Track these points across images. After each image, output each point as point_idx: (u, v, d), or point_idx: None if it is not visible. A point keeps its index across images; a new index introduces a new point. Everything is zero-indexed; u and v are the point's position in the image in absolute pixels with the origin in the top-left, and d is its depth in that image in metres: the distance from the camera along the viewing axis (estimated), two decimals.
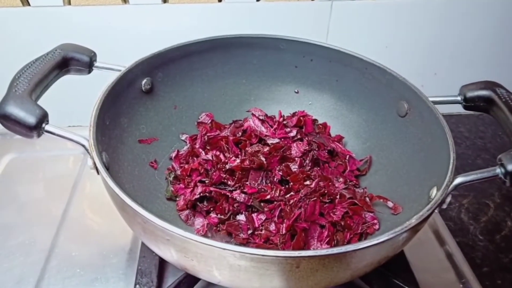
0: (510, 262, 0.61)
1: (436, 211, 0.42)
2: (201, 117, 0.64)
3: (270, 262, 0.37)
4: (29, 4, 0.68)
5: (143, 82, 0.57)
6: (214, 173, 0.55)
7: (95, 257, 0.57)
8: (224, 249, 0.36)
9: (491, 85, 0.51)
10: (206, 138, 0.61)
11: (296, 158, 0.57)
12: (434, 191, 0.45)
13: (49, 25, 0.70)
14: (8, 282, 0.54)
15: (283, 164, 0.56)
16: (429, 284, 0.54)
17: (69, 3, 0.68)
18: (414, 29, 0.76)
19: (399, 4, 0.74)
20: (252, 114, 0.63)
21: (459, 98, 0.53)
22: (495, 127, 0.82)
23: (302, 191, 0.53)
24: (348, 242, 0.50)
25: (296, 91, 0.66)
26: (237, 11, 0.72)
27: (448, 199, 0.43)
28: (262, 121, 0.62)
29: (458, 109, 0.54)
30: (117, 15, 0.70)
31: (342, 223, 0.51)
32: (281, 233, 0.50)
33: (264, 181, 0.54)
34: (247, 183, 0.54)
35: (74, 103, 0.72)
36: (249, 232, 0.52)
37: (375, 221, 0.53)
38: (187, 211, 0.55)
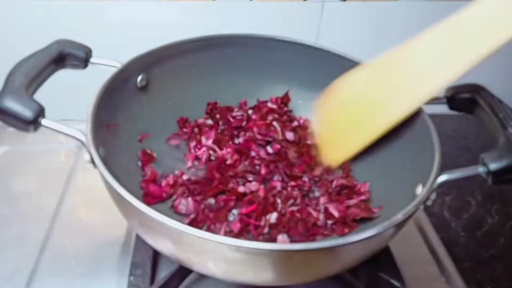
0: (490, 258, 0.63)
1: (420, 207, 0.44)
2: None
3: (264, 255, 0.38)
4: None
5: (139, 78, 0.58)
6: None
7: (89, 250, 0.58)
8: (221, 242, 0.37)
9: (475, 87, 0.53)
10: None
11: None
12: (419, 188, 0.47)
13: (41, 19, 0.70)
14: (1, 275, 0.55)
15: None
16: (413, 277, 0.56)
17: None
18: (404, 30, 0.78)
19: (389, 5, 0.76)
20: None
21: (444, 99, 0.55)
22: (478, 128, 0.84)
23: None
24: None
25: (287, 90, 0.67)
26: (230, 10, 0.73)
27: (433, 196, 0.44)
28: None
29: (443, 109, 0.56)
30: (109, 9, 0.71)
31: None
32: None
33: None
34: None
35: (66, 96, 0.72)
36: None
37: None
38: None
